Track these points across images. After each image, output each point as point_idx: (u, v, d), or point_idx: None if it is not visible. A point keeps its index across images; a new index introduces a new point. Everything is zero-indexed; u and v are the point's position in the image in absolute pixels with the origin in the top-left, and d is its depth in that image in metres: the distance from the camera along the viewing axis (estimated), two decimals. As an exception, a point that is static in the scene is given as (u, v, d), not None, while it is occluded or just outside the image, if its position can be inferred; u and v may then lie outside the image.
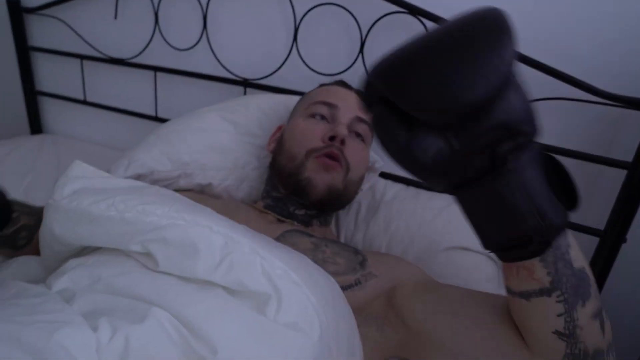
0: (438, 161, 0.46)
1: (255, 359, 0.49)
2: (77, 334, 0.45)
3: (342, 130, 0.86)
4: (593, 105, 0.98)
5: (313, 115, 0.91)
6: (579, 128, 1.04)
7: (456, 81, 0.41)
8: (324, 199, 0.86)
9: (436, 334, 0.64)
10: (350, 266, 0.76)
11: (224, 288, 0.56)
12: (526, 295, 0.53)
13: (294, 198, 0.88)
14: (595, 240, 1.01)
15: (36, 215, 0.80)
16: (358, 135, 0.91)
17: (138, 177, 0.96)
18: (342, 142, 0.86)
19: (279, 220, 0.88)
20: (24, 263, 0.81)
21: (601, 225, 1.00)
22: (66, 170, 0.72)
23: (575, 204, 0.48)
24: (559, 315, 0.51)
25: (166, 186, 0.97)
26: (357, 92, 0.96)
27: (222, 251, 0.58)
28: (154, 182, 0.97)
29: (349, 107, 0.91)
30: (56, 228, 0.65)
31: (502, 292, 0.60)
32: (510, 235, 0.48)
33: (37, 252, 0.76)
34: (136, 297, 0.53)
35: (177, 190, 0.97)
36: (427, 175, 0.47)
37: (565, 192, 0.48)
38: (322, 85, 1.02)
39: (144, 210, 0.62)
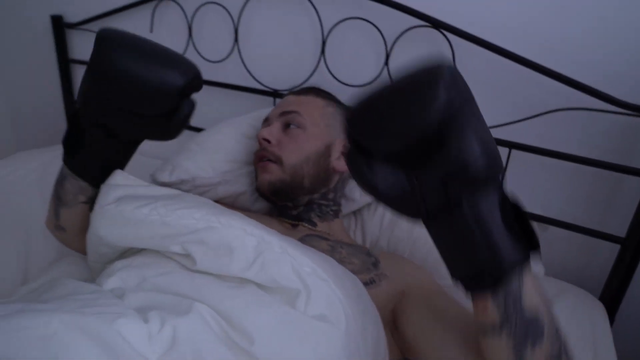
0: (396, 190, 0.53)
1: (288, 348, 0.53)
2: (132, 324, 0.50)
3: (262, 134, 0.94)
4: (612, 114, 0.99)
5: None
6: (598, 137, 1.05)
7: (393, 119, 0.50)
8: (273, 193, 0.94)
9: (425, 350, 0.68)
10: (364, 266, 0.81)
11: (257, 285, 0.60)
12: (483, 329, 0.56)
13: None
14: (616, 248, 1.02)
15: None
16: (289, 125, 0.96)
17: (181, 182, 1.01)
18: (267, 141, 0.94)
19: (292, 225, 0.95)
20: (73, 264, 0.86)
21: (622, 233, 1.01)
22: (108, 179, 0.76)
23: (537, 246, 0.52)
24: (508, 356, 0.52)
25: (204, 192, 1.02)
26: (317, 92, 1.05)
27: (255, 251, 0.62)
28: (195, 187, 1.01)
29: (277, 109, 0.99)
30: (102, 231, 0.70)
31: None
32: (465, 268, 0.53)
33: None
34: (179, 294, 0.58)
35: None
36: (390, 203, 0.55)
37: (527, 234, 0.52)
38: None
39: (183, 215, 0.67)
